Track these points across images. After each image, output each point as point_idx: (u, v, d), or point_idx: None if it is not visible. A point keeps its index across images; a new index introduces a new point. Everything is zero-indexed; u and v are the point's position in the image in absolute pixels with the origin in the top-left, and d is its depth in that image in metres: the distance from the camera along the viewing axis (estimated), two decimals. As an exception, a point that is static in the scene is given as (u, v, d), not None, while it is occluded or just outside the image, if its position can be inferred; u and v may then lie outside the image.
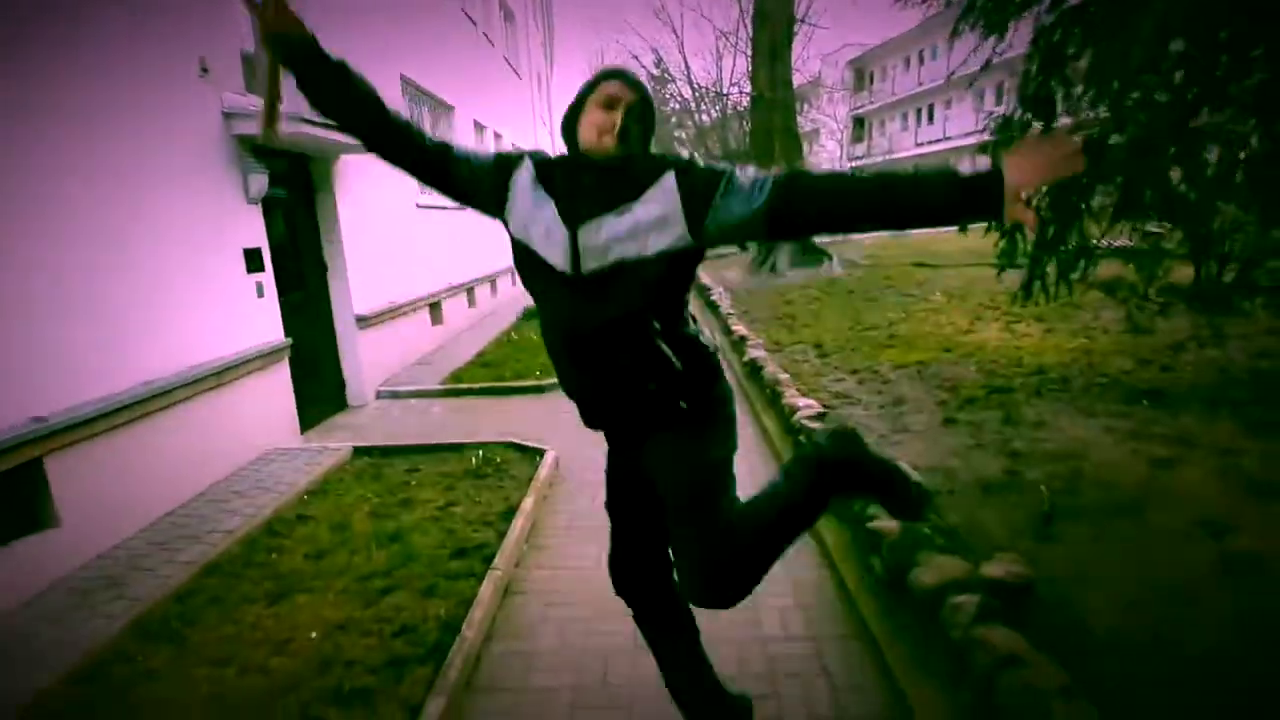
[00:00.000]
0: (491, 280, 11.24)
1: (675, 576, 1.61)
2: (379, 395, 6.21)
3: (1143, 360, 4.37)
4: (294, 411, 4.89)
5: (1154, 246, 3.52)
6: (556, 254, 1.37)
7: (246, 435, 4.28)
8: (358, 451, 4.55)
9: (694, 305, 1.57)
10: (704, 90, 32.10)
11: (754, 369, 5.57)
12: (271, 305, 4.67)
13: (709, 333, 1.53)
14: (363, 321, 5.99)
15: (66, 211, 3.11)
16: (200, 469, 3.90)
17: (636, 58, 30.34)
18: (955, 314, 6.70)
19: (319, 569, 3.00)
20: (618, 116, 1.32)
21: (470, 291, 9.89)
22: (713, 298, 9.62)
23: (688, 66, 44.27)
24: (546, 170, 1.44)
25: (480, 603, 2.61)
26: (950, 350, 5.40)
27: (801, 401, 4.38)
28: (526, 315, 10.00)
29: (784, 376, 5.01)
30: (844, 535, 2.91)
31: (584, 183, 1.37)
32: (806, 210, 1.26)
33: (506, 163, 1.47)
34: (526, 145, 16.28)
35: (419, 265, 7.67)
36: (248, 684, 2.25)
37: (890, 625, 2.33)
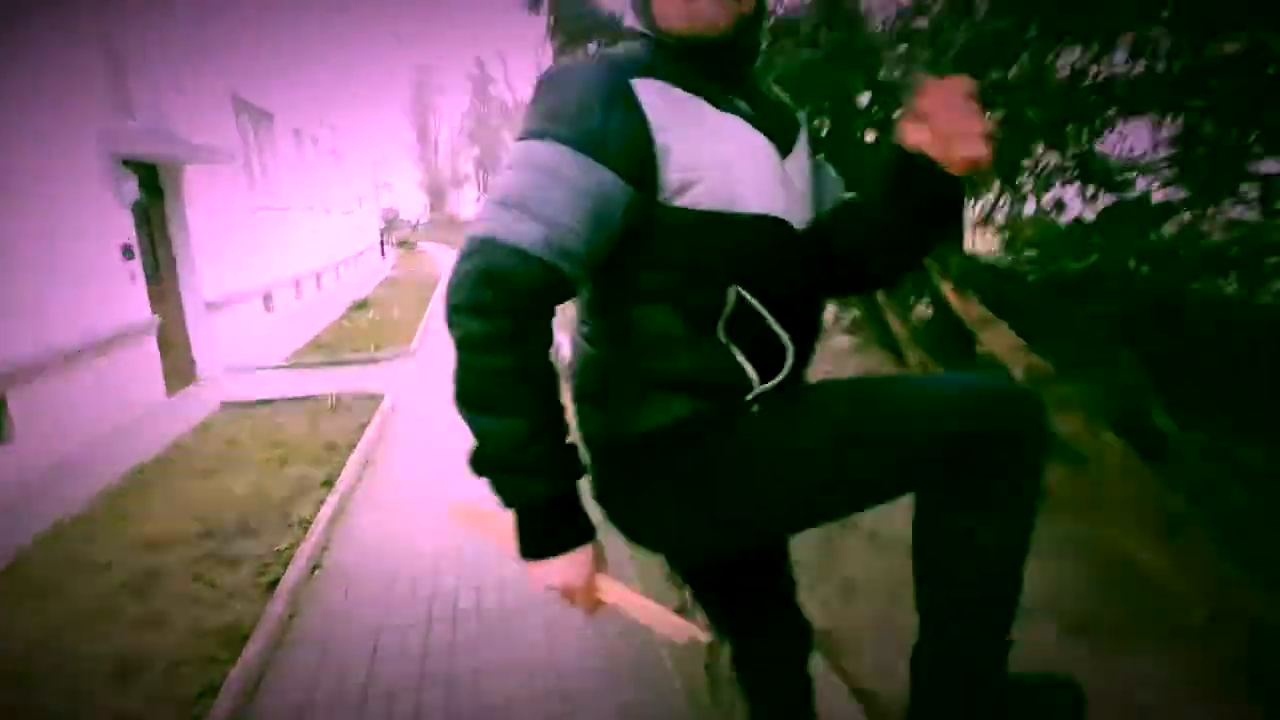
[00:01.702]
0: (318, 275, 12.08)
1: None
2: (226, 370, 7.25)
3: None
4: (162, 376, 5.97)
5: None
6: (783, 201, 0.83)
7: (131, 391, 5.39)
8: (225, 405, 5.82)
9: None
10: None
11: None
12: (141, 290, 5.74)
13: None
14: (210, 307, 7.03)
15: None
16: (108, 412, 5.02)
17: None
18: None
19: (232, 460, 4.47)
20: None
21: (298, 284, 10.78)
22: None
23: (506, 67, 45.23)
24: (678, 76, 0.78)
25: (351, 464, 4.31)
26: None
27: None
28: (354, 308, 11.14)
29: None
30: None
31: (732, 91, 0.82)
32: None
33: (620, 104, 0.74)
34: (344, 147, 16.88)
35: (256, 259, 8.63)
36: (217, 501, 3.77)
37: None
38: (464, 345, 0.71)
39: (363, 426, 5.09)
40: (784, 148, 0.85)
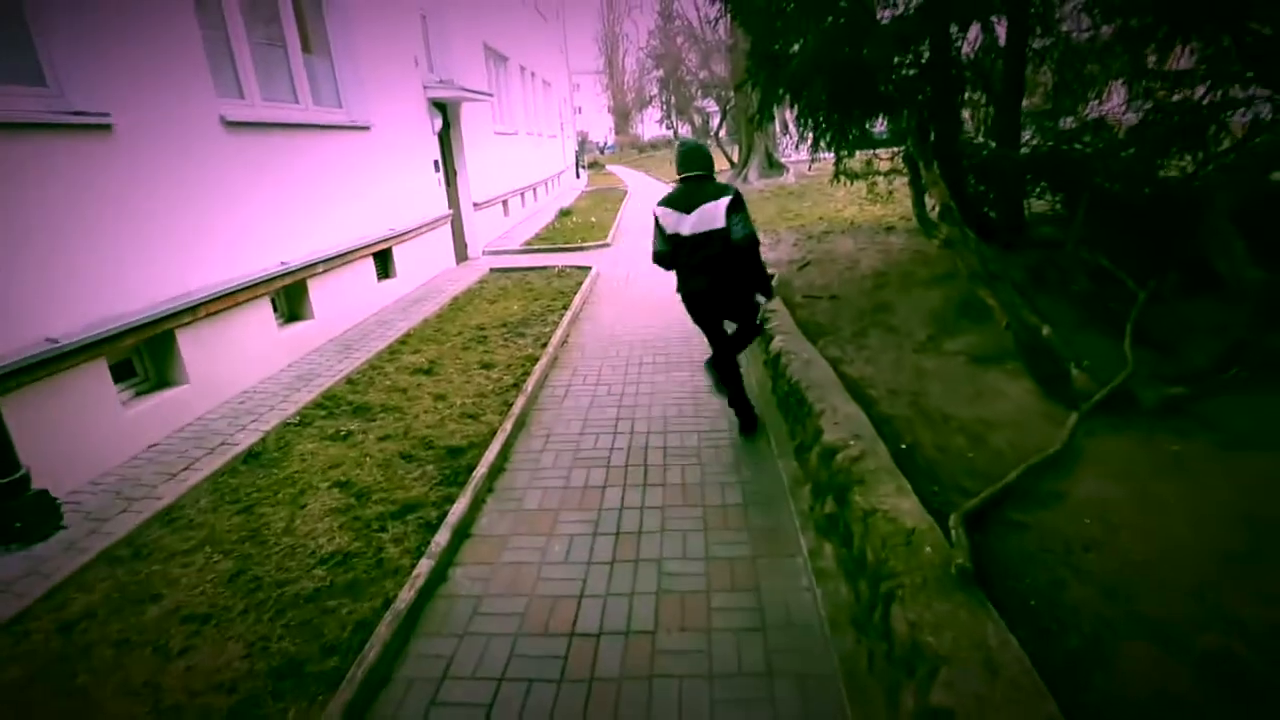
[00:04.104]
0: (534, 189, 14.99)
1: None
2: (484, 253, 10.20)
3: (902, 216, 8.27)
4: (453, 252, 8.93)
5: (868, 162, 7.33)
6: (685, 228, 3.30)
7: (441, 257, 8.35)
8: (492, 270, 8.62)
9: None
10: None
11: (709, 233, 9.51)
12: (443, 191, 8.61)
13: None
14: (476, 207, 9.91)
15: (388, 154, 7.02)
16: (433, 268, 7.99)
17: None
18: (843, 204, 10.52)
19: (505, 296, 7.11)
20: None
21: (523, 195, 13.70)
22: (697, 200, 13.38)
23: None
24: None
25: (575, 300, 6.68)
26: (822, 219, 9.29)
27: (726, 242, 8.33)
28: (561, 214, 13.83)
29: (722, 233, 8.97)
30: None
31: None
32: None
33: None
34: (553, 79, 19.47)
35: (497, 173, 11.48)
36: (504, 312, 6.35)
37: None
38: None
39: (579, 283, 7.49)
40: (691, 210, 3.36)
